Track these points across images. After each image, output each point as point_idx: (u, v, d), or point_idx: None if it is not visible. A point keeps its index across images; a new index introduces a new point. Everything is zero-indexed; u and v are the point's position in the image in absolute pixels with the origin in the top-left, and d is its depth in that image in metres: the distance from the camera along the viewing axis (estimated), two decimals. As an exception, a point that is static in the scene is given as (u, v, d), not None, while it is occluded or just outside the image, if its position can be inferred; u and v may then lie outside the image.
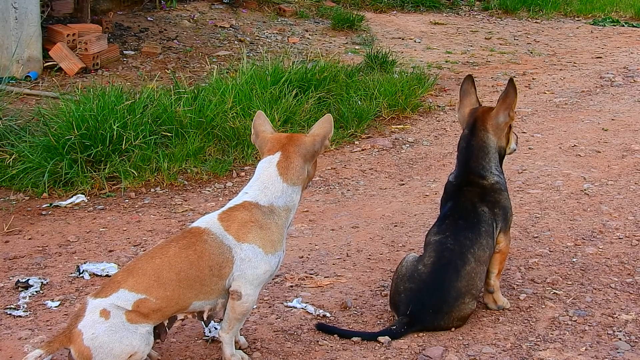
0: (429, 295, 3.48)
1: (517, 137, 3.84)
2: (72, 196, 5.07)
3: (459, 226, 3.57)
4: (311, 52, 8.53)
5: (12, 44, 7.03)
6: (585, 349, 3.39)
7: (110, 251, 4.37)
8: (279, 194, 3.14)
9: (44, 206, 4.95)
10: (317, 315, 3.65)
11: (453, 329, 3.52)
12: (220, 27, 9.58)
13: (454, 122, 6.84)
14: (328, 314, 3.66)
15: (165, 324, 3.11)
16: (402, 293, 3.52)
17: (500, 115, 3.65)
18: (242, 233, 3.06)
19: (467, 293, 3.49)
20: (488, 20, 11.61)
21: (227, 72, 7.25)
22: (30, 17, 7.17)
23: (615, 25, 11.49)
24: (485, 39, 10.40)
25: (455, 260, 3.49)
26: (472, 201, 3.61)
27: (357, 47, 9.43)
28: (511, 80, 3.66)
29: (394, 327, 3.47)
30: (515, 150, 3.84)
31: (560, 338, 3.48)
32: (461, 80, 3.96)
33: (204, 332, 3.45)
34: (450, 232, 3.57)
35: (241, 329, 3.52)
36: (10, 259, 4.25)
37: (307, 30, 10.02)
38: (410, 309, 3.48)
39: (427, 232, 3.72)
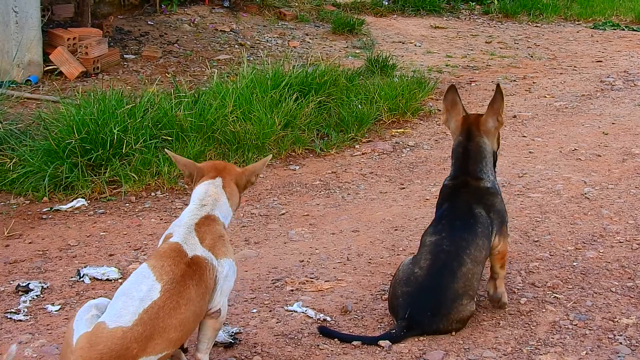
0: (426, 298, 3.49)
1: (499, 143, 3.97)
2: (72, 200, 5.07)
3: (455, 227, 3.61)
4: (312, 56, 8.54)
5: (12, 47, 7.04)
6: (586, 353, 3.39)
7: (111, 255, 4.37)
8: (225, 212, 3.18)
9: (44, 210, 4.95)
10: (318, 319, 3.65)
11: (453, 333, 3.53)
12: (220, 31, 9.59)
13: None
14: (328, 318, 3.66)
15: None
16: (400, 297, 3.53)
17: (490, 121, 3.74)
18: (218, 249, 3.02)
19: (465, 294, 3.51)
20: (488, 24, 11.62)
21: (227, 76, 7.25)
22: (31, 21, 7.17)
23: (615, 29, 11.49)
24: (486, 42, 10.41)
25: (452, 262, 3.51)
26: (469, 202, 3.66)
27: (357, 51, 9.44)
28: (498, 86, 3.76)
29: (394, 331, 3.47)
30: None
31: (560, 342, 3.48)
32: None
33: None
34: (446, 233, 3.60)
35: (241, 332, 3.52)
36: (10, 263, 4.25)
37: (307, 34, 10.03)
38: (408, 312, 3.48)
39: (423, 232, 3.74)
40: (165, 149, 3.37)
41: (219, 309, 3.02)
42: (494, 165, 3.82)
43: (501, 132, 6.51)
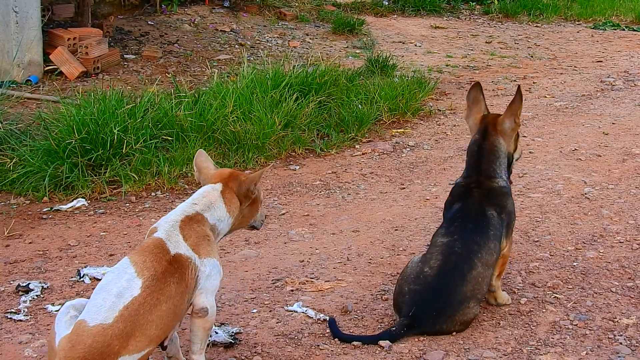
0: (434, 298, 3.49)
1: (521, 148, 3.95)
2: (72, 200, 5.07)
3: (467, 229, 3.59)
4: (312, 56, 8.54)
5: (12, 47, 7.04)
6: (586, 353, 3.39)
7: (111, 255, 4.37)
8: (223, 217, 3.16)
9: (44, 210, 4.95)
10: (318, 319, 3.65)
11: (454, 333, 3.52)
12: (220, 31, 9.59)
13: (454, 126, 6.84)
14: (328, 318, 3.66)
15: None
16: (407, 294, 3.53)
17: (507, 122, 3.74)
18: (202, 248, 3.00)
19: (473, 297, 3.51)
20: (488, 24, 11.62)
21: (227, 76, 7.25)
22: (31, 21, 7.17)
23: (615, 29, 11.49)
24: (486, 42, 10.41)
25: (462, 265, 3.51)
26: (481, 203, 3.65)
27: (357, 51, 9.44)
28: (519, 89, 3.75)
29: (394, 329, 3.47)
30: (518, 158, 3.94)
31: (561, 342, 3.48)
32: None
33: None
34: (458, 235, 3.59)
35: (241, 332, 3.52)
36: (10, 263, 4.25)
37: (307, 34, 10.03)
38: (413, 310, 3.48)
39: (434, 233, 3.74)
40: (200, 150, 3.35)
41: (205, 307, 2.99)
42: (509, 169, 3.81)
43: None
